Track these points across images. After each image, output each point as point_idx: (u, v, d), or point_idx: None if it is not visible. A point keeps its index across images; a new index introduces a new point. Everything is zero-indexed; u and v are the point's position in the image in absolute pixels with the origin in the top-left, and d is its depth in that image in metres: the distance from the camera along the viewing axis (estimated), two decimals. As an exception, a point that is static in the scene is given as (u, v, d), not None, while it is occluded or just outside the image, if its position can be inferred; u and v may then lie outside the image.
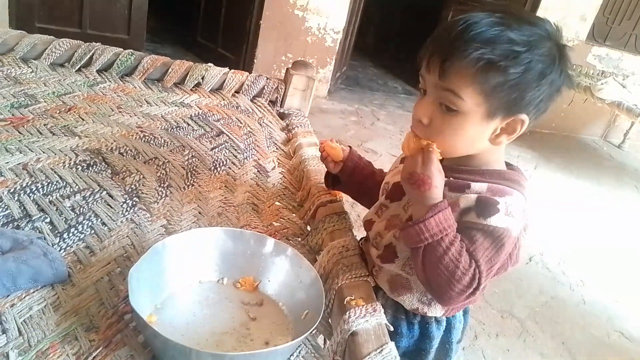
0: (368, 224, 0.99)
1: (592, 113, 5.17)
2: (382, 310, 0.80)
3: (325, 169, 1.10)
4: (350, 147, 1.07)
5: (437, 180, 0.80)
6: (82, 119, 1.24)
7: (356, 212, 1.10)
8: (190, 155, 1.23)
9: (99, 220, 0.94)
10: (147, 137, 1.24)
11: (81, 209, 0.96)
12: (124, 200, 1.01)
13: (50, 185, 1.00)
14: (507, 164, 0.92)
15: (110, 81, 1.44)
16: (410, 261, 0.87)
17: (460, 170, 0.87)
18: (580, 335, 2.30)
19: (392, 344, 0.74)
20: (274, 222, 1.08)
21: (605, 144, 5.52)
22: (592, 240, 3.26)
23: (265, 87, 1.58)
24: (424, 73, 0.82)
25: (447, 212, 0.78)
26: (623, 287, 2.76)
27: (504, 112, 0.80)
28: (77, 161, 1.09)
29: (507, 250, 0.82)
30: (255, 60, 4.29)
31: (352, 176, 1.05)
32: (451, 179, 0.86)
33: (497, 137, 0.83)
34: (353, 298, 0.81)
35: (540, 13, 4.68)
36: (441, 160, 0.86)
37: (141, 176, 1.10)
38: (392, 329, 0.79)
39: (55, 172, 1.04)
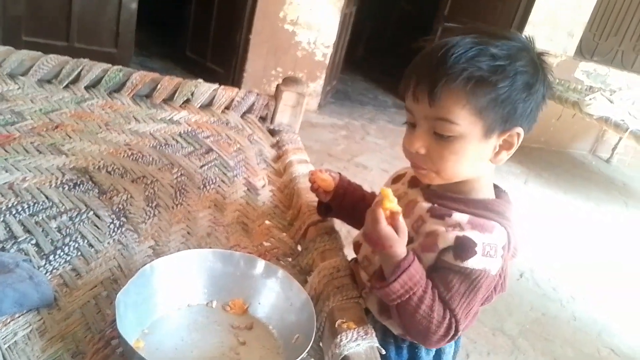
0: (356, 246, 0.99)
1: (580, 128, 5.21)
2: (374, 334, 0.79)
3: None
4: (339, 173, 1.06)
5: (391, 240, 0.77)
6: (70, 137, 1.23)
7: (346, 229, 1.08)
8: (179, 174, 1.21)
9: (86, 241, 0.93)
10: (135, 155, 1.23)
11: (67, 229, 0.94)
12: (111, 221, 0.99)
13: (36, 205, 0.98)
14: (496, 187, 0.91)
15: (98, 98, 1.42)
16: None
17: (445, 197, 0.86)
18: (571, 352, 2.29)
19: (384, 369, 0.73)
20: (264, 242, 1.06)
21: (593, 158, 5.56)
22: (582, 255, 3.27)
23: (255, 103, 1.57)
24: (411, 105, 0.81)
25: (411, 270, 0.77)
26: (613, 303, 2.77)
27: (500, 127, 0.80)
28: (64, 180, 1.07)
29: (485, 290, 0.81)
30: (244, 75, 4.29)
31: (343, 202, 1.04)
32: (435, 205, 0.86)
33: (497, 154, 0.84)
34: (344, 321, 0.80)
35: (528, 29, 4.73)
36: (427, 187, 0.87)
37: (129, 195, 1.08)
38: (384, 352, 0.78)
39: (41, 191, 1.02)
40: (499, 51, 0.76)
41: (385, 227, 0.77)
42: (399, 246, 0.78)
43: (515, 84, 0.76)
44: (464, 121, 0.77)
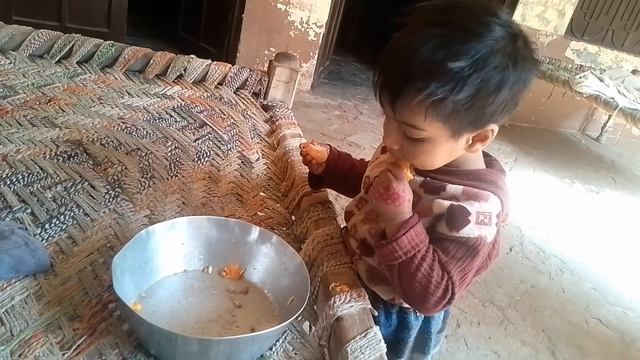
0: (348, 215, 1.00)
1: (570, 107, 5.24)
2: (367, 296, 0.81)
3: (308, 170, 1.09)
4: (329, 145, 1.07)
5: (409, 195, 0.82)
6: (63, 110, 1.23)
7: (340, 204, 1.10)
8: (173, 147, 1.22)
9: (81, 210, 0.93)
10: (129, 129, 1.23)
11: (63, 199, 0.95)
12: (106, 191, 1.00)
13: (30, 176, 0.99)
14: (486, 155, 0.91)
15: (90, 72, 1.42)
16: None
17: (437, 170, 0.85)
18: (559, 322, 2.34)
19: (376, 328, 0.75)
20: (258, 212, 1.08)
21: (583, 137, 5.60)
22: (571, 230, 3.31)
23: (249, 79, 1.58)
24: (380, 104, 0.81)
25: (418, 228, 0.80)
26: (600, 276, 2.82)
27: (469, 128, 0.78)
28: (58, 152, 1.08)
29: (482, 257, 0.82)
30: (237, 54, 4.26)
31: (335, 173, 1.05)
32: (428, 179, 0.86)
33: (471, 146, 0.82)
34: (338, 284, 0.82)
35: (519, 8, 4.73)
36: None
37: (123, 167, 1.09)
38: (376, 314, 0.79)
39: (35, 163, 1.03)
40: (462, 62, 0.70)
41: (406, 183, 0.82)
42: (409, 205, 0.82)
43: (480, 92, 0.72)
44: (429, 127, 0.76)
